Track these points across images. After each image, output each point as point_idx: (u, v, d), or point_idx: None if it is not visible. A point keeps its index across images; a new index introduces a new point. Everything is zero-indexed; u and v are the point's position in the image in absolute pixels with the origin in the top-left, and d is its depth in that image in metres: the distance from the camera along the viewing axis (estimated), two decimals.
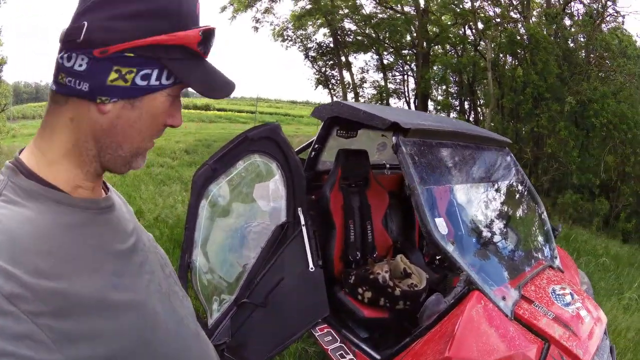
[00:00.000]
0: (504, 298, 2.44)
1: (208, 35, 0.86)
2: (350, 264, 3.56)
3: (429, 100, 17.67)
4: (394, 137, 2.77)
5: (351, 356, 2.88)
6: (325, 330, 3.06)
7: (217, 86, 0.89)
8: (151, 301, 0.91)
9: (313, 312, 2.74)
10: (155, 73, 0.82)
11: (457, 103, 17.37)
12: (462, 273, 2.43)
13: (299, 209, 2.78)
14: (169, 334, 0.94)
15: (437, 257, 3.95)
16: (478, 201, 3.28)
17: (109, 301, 0.80)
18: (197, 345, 1.05)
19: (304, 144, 4.51)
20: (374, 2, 17.81)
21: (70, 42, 0.79)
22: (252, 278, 2.68)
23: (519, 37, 12.16)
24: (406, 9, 17.06)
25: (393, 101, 19.69)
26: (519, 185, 3.68)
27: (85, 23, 0.77)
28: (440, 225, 2.57)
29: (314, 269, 2.75)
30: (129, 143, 0.87)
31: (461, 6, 14.90)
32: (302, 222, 2.77)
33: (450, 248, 2.50)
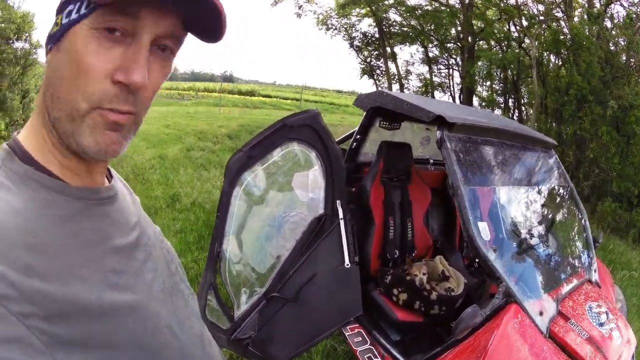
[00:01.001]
0: (541, 313, 2.32)
1: None
2: (387, 263, 3.43)
3: (474, 95, 17.39)
4: (438, 132, 2.64)
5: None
6: (356, 330, 2.97)
7: None
8: (153, 302, 0.84)
9: (345, 310, 2.66)
10: (76, 6, 0.70)
11: (501, 100, 17.05)
12: (501, 284, 2.30)
13: (338, 201, 2.69)
14: (170, 337, 0.86)
15: (477, 261, 3.79)
16: (521, 204, 3.13)
17: (106, 303, 0.72)
18: (200, 348, 0.97)
19: (346, 134, 4.40)
20: None
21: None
22: (285, 271, 2.60)
23: (562, 37, 11.83)
24: (451, 1, 16.88)
25: (438, 94, 19.55)
26: (562, 189, 3.52)
27: None
28: (483, 230, 2.44)
29: (349, 265, 2.66)
30: (57, 96, 0.73)
31: (505, 1, 14.62)
32: (341, 215, 2.68)
33: (491, 256, 2.37)
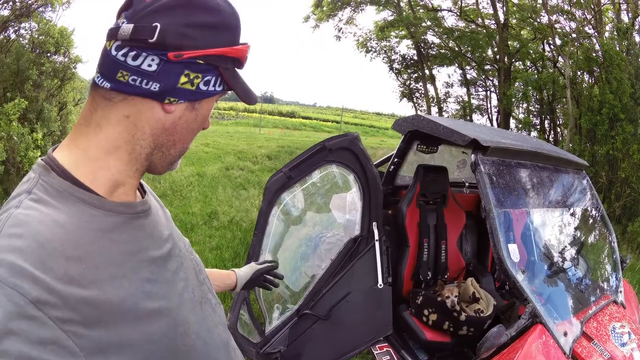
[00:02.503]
0: (565, 334, 2.30)
1: (248, 50, 0.93)
2: (420, 284, 3.45)
3: (511, 118, 17.20)
4: (472, 155, 2.66)
5: None
6: (385, 349, 2.97)
7: (252, 95, 0.97)
8: (183, 309, 0.91)
9: (376, 329, 2.71)
10: (213, 80, 0.88)
11: (537, 121, 16.79)
12: (528, 304, 2.30)
13: (374, 223, 2.73)
14: (199, 343, 0.93)
15: (507, 283, 3.78)
16: (551, 226, 3.09)
17: (140, 310, 0.79)
18: (225, 354, 1.04)
19: (384, 157, 4.44)
20: (456, 15, 17.61)
21: (138, 41, 0.78)
22: (319, 290, 2.66)
23: (594, 54, 11.67)
24: (486, 22, 16.77)
25: (476, 117, 19.27)
26: (593, 211, 3.46)
27: (158, 25, 0.78)
28: (513, 252, 2.44)
29: (382, 286, 2.71)
30: (181, 143, 0.93)
31: (539, 20, 14.52)
32: (376, 237, 2.73)
33: (520, 277, 2.36)
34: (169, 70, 0.81)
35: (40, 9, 8.18)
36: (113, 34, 0.79)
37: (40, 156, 5.77)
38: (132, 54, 0.79)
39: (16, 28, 8.07)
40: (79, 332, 0.68)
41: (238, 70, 0.93)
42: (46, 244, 0.69)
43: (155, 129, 0.86)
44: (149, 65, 0.80)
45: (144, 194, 0.99)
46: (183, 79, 0.83)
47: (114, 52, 0.80)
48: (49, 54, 8.36)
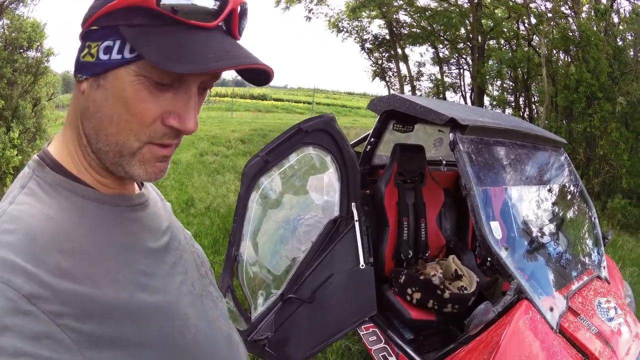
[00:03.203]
0: (551, 309, 2.34)
1: None
2: (401, 263, 3.47)
3: (485, 95, 17.35)
4: (451, 134, 2.66)
5: (394, 358, 2.82)
6: (371, 330, 3.00)
7: (185, 57, 0.67)
8: (182, 303, 0.87)
9: (360, 310, 2.69)
10: (117, 45, 0.70)
11: (512, 99, 16.98)
12: (513, 281, 2.33)
13: (353, 203, 2.73)
14: (199, 337, 0.89)
15: (489, 259, 3.81)
16: (531, 203, 3.14)
17: (136, 304, 0.76)
18: (227, 349, 1.00)
19: (360, 137, 4.43)
20: None
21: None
22: (301, 273, 2.65)
23: (570, 34, 11.81)
24: (460, 1, 16.83)
25: (449, 95, 19.43)
26: (572, 187, 3.53)
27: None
28: (495, 229, 2.46)
29: (364, 266, 2.70)
30: (103, 133, 0.75)
31: (514, 0, 14.59)
32: (356, 217, 2.72)
33: (503, 254, 2.39)
34: (79, 47, 0.74)
35: (12, 5, 7.96)
36: None
37: (17, 155, 5.67)
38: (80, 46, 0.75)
39: None
40: (73, 326, 0.65)
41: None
42: (38, 237, 0.67)
43: (80, 114, 0.77)
44: (91, 55, 0.73)
45: (142, 186, 0.95)
46: (85, 51, 0.73)
47: None
48: (22, 50, 8.18)
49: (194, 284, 0.95)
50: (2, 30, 8.10)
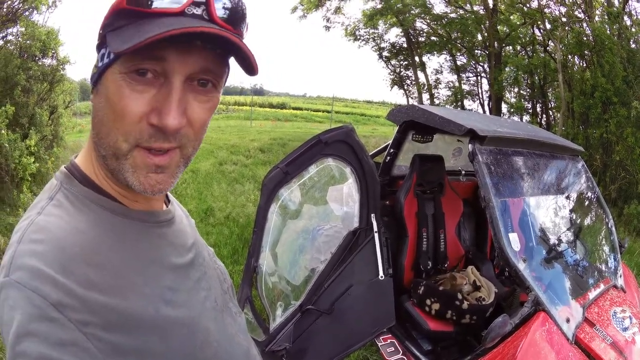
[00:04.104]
0: (568, 320, 2.33)
1: None
2: (421, 274, 3.46)
3: (502, 102, 17.24)
4: (470, 145, 2.66)
5: None
6: (389, 341, 3.02)
7: (135, 38, 0.67)
8: (204, 318, 0.89)
9: (379, 321, 2.71)
10: (107, 50, 0.73)
11: (529, 106, 16.84)
12: (531, 292, 2.32)
13: (372, 215, 2.73)
14: (219, 351, 0.91)
15: (507, 270, 3.80)
16: (549, 212, 3.12)
17: (161, 318, 0.78)
18: None
19: (379, 148, 4.43)
20: (444, 1, 17.57)
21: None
22: (320, 284, 2.65)
23: (585, 38, 11.71)
24: (475, 8, 16.74)
25: (467, 103, 19.30)
26: (589, 195, 3.50)
27: None
28: (514, 241, 2.46)
29: (383, 277, 2.71)
30: (100, 137, 0.77)
31: (528, 5, 14.52)
32: (375, 228, 2.72)
33: (521, 266, 2.38)
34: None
35: (27, 12, 8.07)
36: None
37: (34, 162, 5.75)
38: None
39: (4, 34, 7.98)
40: (99, 335, 0.67)
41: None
42: (67, 249, 0.69)
43: (92, 123, 0.80)
44: (95, 66, 0.77)
45: (169, 203, 0.98)
46: (94, 69, 0.76)
47: None
48: (36, 58, 8.28)
49: (216, 299, 0.97)
50: (16, 37, 8.21)
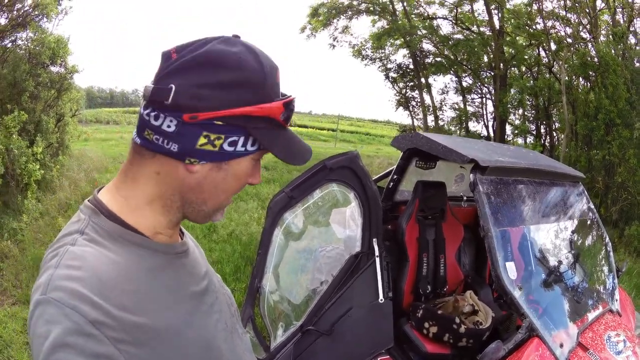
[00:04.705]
0: (561, 345, 2.38)
1: (289, 105, 0.90)
2: (420, 297, 3.50)
3: (507, 124, 17.25)
4: (471, 175, 2.72)
5: None
6: None
7: (298, 154, 0.94)
8: (217, 339, 1.00)
9: (377, 343, 2.75)
10: (241, 140, 0.87)
11: (533, 127, 16.85)
12: (525, 320, 2.37)
13: (374, 239, 2.78)
14: None
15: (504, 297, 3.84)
16: (548, 238, 3.17)
17: (182, 336, 0.88)
18: None
19: (383, 173, 4.50)
20: (451, 22, 17.73)
21: (157, 102, 0.82)
22: (321, 305, 2.70)
23: (589, 59, 11.79)
24: (482, 29, 16.90)
25: (472, 124, 19.30)
26: (589, 221, 3.55)
27: (173, 86, 0.80)
28: (510, 269, 2.51)
29: (383, 300, 2.75)
30: (212, 200, 0.93)
31: (534, 27, 14.66)
32: (377, 253, 2.77)
33: (517, 294, 2.44)
34: (186, 131, 0.83)
35: (37, 18, 8.15)
36: (143, 94, 0.84)
37: (39, 169, 5.79)
38: (154, 114, 0.83)
39: (13, 38, 8.06)
40: (131, 351, 0.77)
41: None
42: (103, 276, 0.78)
43: (182, 186, 0.89)
44: (168, 126, 0.83)
45: (183, 235, 1.06)
46: (202, 140, 0.84)
47: (142, 110, 0.85)
48: (45, 65, 8.35)
49: (226, 322, 1.07)
50: (26, 42, 8.26)
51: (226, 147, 0.86)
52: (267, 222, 2.64)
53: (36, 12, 8.01)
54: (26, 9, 7.96)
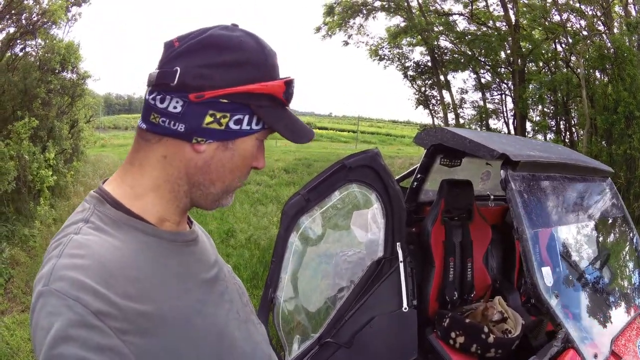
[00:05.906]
0: (595, 356, 2.25)
1: (290, 85, 0.93)
2: (446, 305, 3.33)
3: (527, 120, 17.05)
4: (502, 171, 2.52)
5: None
6: None
7: (301, 131, 0.97)
8: (230, 327, 0.99)
9: (400, 354, 2.66)
10: (246, 118, 0.89)
11: (553, 123, 16.63)
12: (561, 330, 2.20)
13: (398, 243, 2.64)
14: (245, 356, 1.01)
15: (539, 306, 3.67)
16: (580, 239, 3.04)
17: (191, 324, 0.88)
18: None
19: (406, 172, 4.33)
20: (467, 18, 17.58)
21: (163, 84, 0.86)
22: (341, 316, 2.56)
23: (605, 51, 11.64)
24: (497, 24, 16.74)
25: (492, 122, 19.10)
26: (619, 219, 3.38)
27: (178, 68, 0.84)
28: (547, 275, 2.33)
29: (407, 309, 2.65)
30: (220, 181, 0.94)
31: (550, 19, 14.56)
32: (400, 258, 2.64)
33: (553, 302, 2.27)
34: (192, 111, 0.86)
35: (46, 25, 8.24)
36: (148, 80, 0.88)
37: (52, 175, 5.85)
38: (159, 97, 0.86)
39: (22, 46, 8.17)
40: (136, 342, 0.76)
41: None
42: (107, 264, 0.77)
43: (188, 168, 0.91)
44: (174, 107, 0.86)
45: (191, 224, 1.08)
46: (208, 119, 0.87)
47: (147, 96, 0.89)
48: (56, 71, 8.42)
49: (238, 311, 1.06)
50: (35, 49, 8.34)
51: (232, 125, 0.89)
52: (282, 227, 2.52)
53: (44, 19, 8.10)
54: (33, 17, 8.03)
